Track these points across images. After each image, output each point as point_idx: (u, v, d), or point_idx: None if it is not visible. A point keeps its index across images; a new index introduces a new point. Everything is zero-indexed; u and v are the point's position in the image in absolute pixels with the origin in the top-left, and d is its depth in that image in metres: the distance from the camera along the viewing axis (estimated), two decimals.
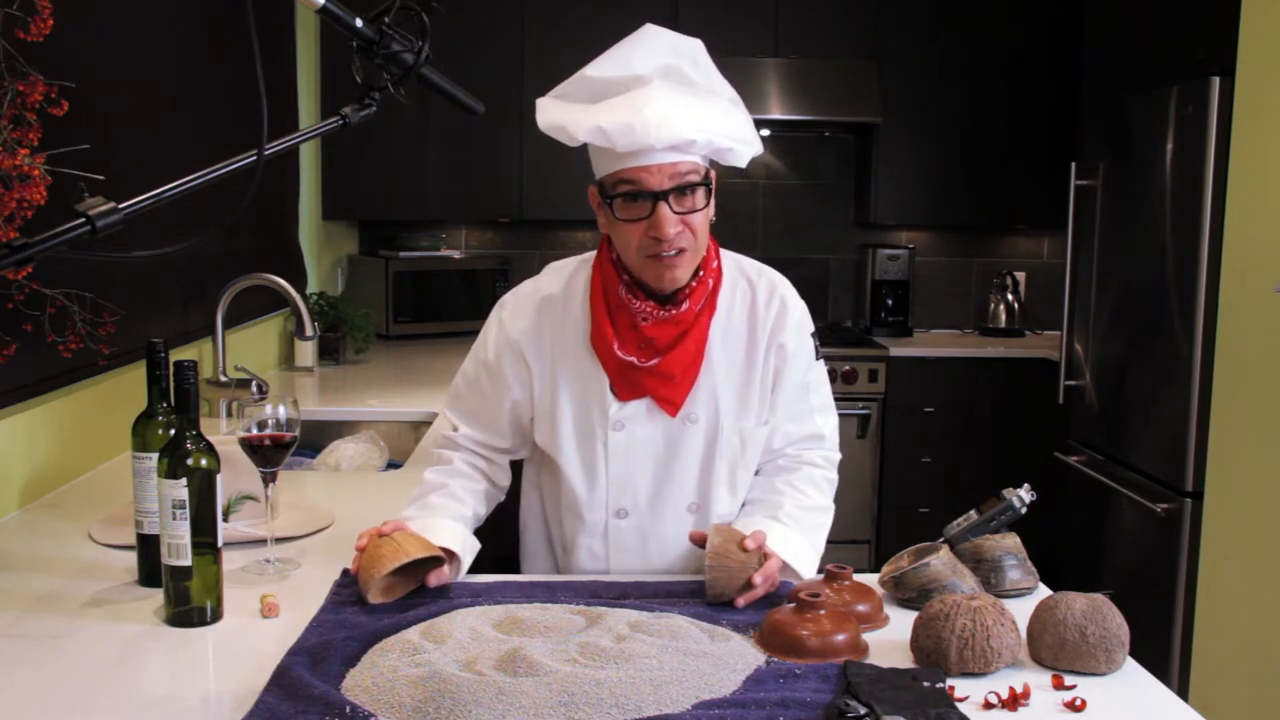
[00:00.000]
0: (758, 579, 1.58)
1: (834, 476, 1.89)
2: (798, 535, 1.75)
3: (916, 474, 4.58)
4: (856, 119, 4.60)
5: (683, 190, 1.63)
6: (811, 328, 1.85)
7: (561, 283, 1.81)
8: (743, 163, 1.71)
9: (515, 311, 1.81)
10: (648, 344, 1.72)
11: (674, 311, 1.71)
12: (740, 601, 1.57)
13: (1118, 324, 3.75)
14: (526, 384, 1.79)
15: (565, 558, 1.86)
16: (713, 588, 1.57)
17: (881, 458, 4.55)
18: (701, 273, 1.73)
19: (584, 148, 1.70)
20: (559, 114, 1.68)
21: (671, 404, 1.75)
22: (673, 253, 1.65)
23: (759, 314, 1.79)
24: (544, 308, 1.79)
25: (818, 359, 1.86)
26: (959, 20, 4.66)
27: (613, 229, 1.70)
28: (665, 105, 1.61)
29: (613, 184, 1.66)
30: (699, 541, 1.66)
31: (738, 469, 1.81)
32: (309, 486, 2.30)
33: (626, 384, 1.75)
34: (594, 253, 1.81)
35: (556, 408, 1.78)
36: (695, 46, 1.70)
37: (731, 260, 1.83)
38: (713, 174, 1.70)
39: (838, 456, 1.91)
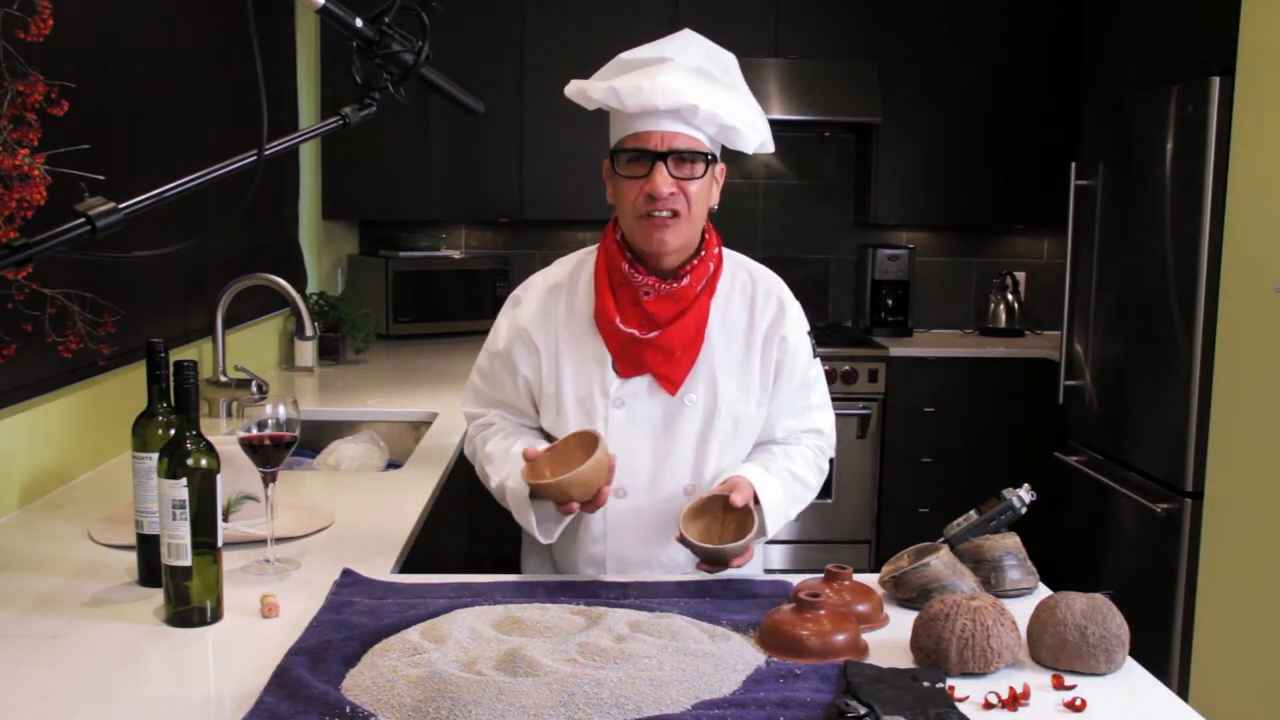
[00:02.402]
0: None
1: (825, 465, 1.94)
2: (780, 490, 1.80)
3: (916, 474, 4.58)
4: (856, 119, 4.60)
5: (682, 156, 1.71)
6: (807, 326, 1.91)
7: (568, 270, 1.88)
8: (749, 148, 1.78)
9: (524, 302, 1.88)
10: (649, 319, 1.77)
11: (675, 286, 1.77)
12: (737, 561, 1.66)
13: (1118, 324, 3.75)
14: (535, 367, 1.85)
15: (564, 543, 1.87)
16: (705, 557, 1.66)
17: (881, 458, 4.55)
18: (703, 253, 1.80)
19: (586, 143, 1.75)
20: (583, 83, 1.78)
21: (671, 382, 1.80)
22: (665, 213, 1.71)
23: (758, 303, 1.85)
24: (551, 294, 1.86)
25: (815, 357, 1.92)
26: (959, 20, 4.66)
27: (615, 189, 1.77)
28: (680, 76, 1.70)
29: (620, 146, 1.74)
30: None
31: (727, 452, 1.85)
32: (309, 486, 2.30)
33: (628, 360, 1.79)
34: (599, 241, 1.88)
35: (560, 386, 1.83)
36: (729, 59, 1.80)
37: (731, 254, 1.90)
38: (720, 163, 1.79)
39: (832, 452, 1.96)
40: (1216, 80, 3.15)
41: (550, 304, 1.85)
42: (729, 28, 4.54)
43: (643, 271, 1.77)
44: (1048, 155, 4.64)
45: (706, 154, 1.73)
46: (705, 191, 1.75)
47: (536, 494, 1.67)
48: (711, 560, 1.66)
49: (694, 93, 1.69)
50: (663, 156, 1.70)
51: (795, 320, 1.87)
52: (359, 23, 1.42)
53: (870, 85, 4.55)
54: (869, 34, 4.64)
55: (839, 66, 4.59)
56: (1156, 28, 3.71)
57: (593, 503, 1.65)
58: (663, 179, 1.69)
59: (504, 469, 1.79)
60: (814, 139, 5.02)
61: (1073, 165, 3.94)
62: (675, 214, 1.71)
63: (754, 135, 1.76)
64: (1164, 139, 3.43)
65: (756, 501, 1.73)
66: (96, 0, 2.28)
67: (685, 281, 1.77)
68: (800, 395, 1.89)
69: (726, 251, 1.87)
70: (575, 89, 1.79)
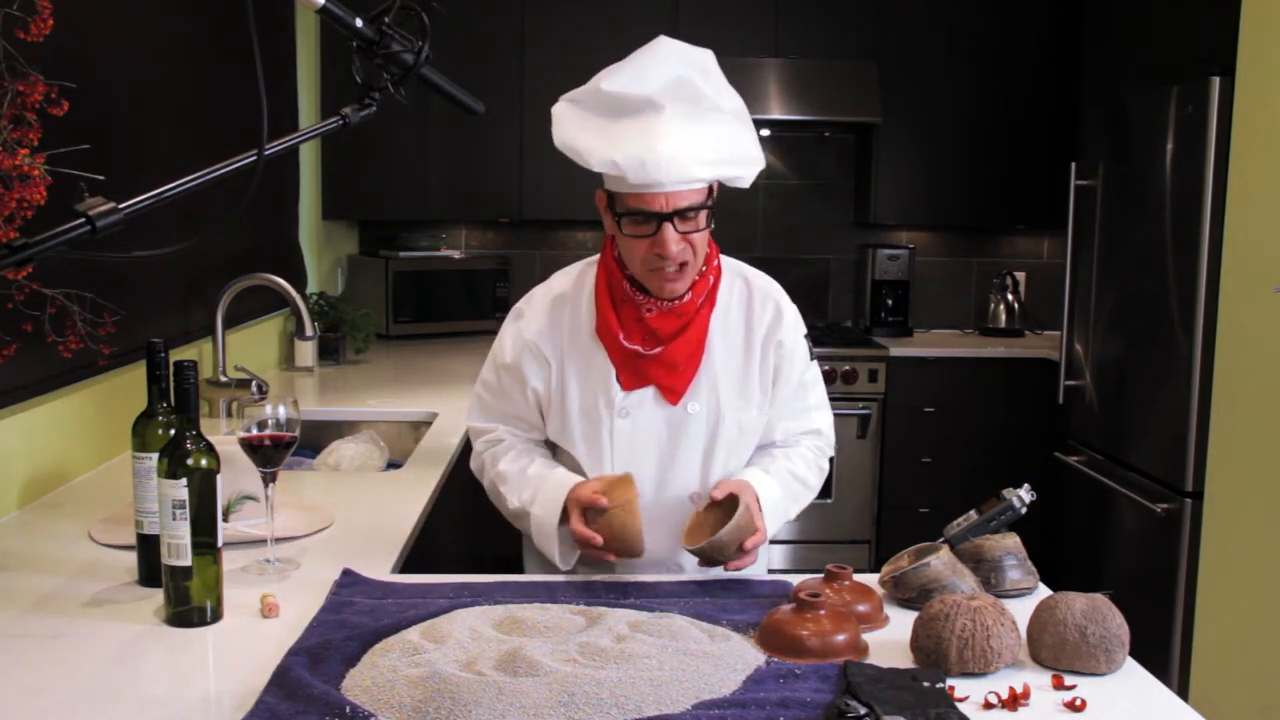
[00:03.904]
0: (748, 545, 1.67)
1: (825, 465, 1.95)
2: (779, 489, 1.82)
3: (916, 474, 4.58)
4: (856, 119, 4.60)
5: (686, 214, 1.70)
6: (804, 329, 1.93)
7: (571, 281, 1.89)
8: (747, 184, 1.78)
9: (530, 315, 1.88)
10: (651, 334, 1.79)
11: (677, 303, 1.79)
12: (736, 564, 1.68)
13: (1118, 324, 3.75)
14: (545, 379, 1.86)
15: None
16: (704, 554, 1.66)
17: (881, 458, 4.55)
18: (704, 269, 1.81)
19: None
20: (574, 134, 1.75)
21: (674, 392, 1.82)
22: (674, 268, 1.73)
23: (754, 310, 1.87)
24: (556, 306, 1.87)
25: (812, 359, 1.94)
26: (959, 20, 4.66)
27: (620, 241, 1.78)
28: (677, 140, 1.67)
29: (622, 204, 1.73)
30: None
31: (733, 458, 1.87)
32: (309, 486, 2.30)
33: (631, 373, 1.81)
34: (599, 255, 1.88)
35: (566, 398, 1.84)
36: (705, 57, 1.77)
37: (729, 262, 1.91)
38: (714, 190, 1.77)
39: (832, 452, 1.98)
40: (1216, 80, 3.15)
41: (556, 316, 1.86)
42: (729, 28, 4.55)
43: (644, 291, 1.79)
44: (1048, 155, 4.64)
45: (709, 203, 1.73)
46: (707, 230, 1.76)
47: (565, 522, 1.72)
48: (710, 559, 1.67)
49: (695, 156, 1.67)
50: (669, 218, 1.70)
51: (792, 324, 1.88)
52: (359, 23, 1.42)
53: (870, 85, 4.55)
54: (869, 34, 4.64)
55: (839, 66, 4.59)
56: (1156, 28, 3.71)
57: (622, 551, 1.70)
58: (672, 239, 1.70)
59: (524, 492, 1.81)
60: (814, 139, 5.02)
61: (1073, 165, 3.94)
62: (684, 265, 1.74)
63: (749, 172, 1.76)
64: (1164, 139, 3.43)
65: (758, 505, 1.74)
66: (96, 0, 2.28)
67: (686, 298, 1.79)
68: (798, 397, 1.91)
69: (723, 259, 1.89)
70: (567, 146, 1.75)
